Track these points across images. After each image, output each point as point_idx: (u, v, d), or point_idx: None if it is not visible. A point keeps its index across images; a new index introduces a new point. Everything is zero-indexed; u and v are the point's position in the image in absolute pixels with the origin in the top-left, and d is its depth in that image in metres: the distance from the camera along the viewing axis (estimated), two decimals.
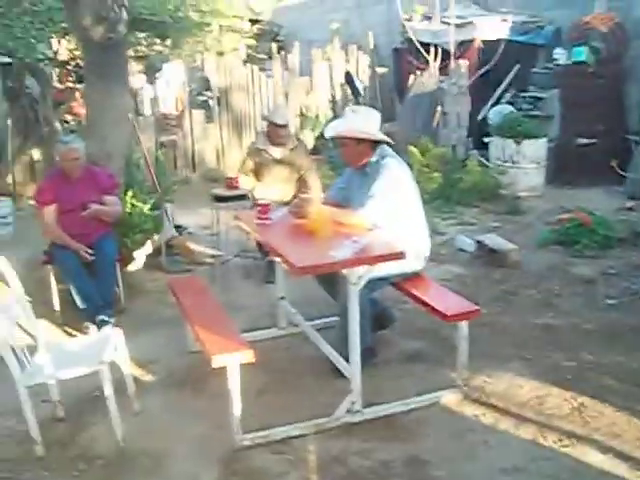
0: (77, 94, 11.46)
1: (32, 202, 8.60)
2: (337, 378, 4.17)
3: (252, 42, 14.29)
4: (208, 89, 12.06)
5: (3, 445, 3.85)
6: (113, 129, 6.19)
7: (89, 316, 5.15)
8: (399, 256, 3.82)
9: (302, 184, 6.31)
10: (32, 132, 10.16)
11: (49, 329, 5.15)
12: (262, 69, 12.40)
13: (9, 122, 10.16)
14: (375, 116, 4.54)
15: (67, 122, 11.21)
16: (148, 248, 6.23)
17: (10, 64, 10.09)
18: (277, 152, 6.24)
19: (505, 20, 10.70)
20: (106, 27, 6.07)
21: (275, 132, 6.22)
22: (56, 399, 4.05)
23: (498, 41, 10.40)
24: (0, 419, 4.08)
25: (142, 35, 10.95)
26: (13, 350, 3.63)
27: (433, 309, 4.14)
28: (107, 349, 3.81)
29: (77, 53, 11.10)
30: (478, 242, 6.65)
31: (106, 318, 5.09)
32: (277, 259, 4.83)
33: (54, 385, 4.01)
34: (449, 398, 4.08)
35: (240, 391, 3.59)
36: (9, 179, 9.95)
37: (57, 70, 11.31)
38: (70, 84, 12.27)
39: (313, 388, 4.27)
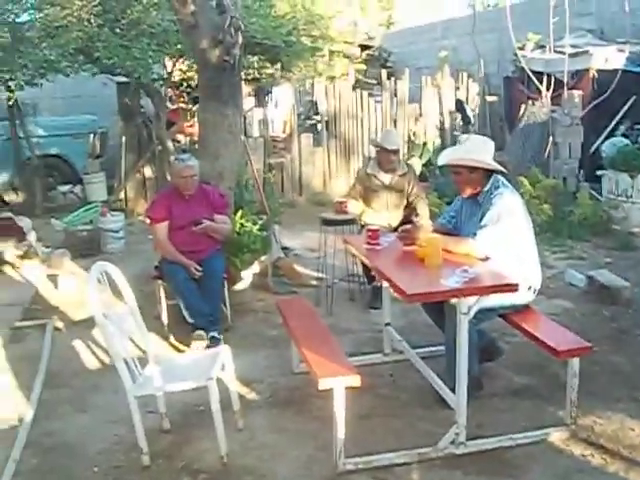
0: (188, 114, 11.82)
1: (143, 218, 8.95)
2: (441, 408, 4.10)
3: (362, 67, 14.38)
4: (316, 113, 12.21)
5: (112, 452, 3.95)
6: (225, 149, 6.32)
7: (196, 331, 5.23)
8: (512, 288, 3.73)
9: (411, 211, 6.27)
10: (145, 150, 10.53)
11: (158, 342, 5.28)
12: (371, 94, 12.47)
13: (123, 140, 10.57)
14: (490, 145, 4.49)
15: (178, 141, 11.56)
16: (255, 268, 6.32)
17: (127, 83, 10.50)
18: (387, 178, 6.23)
19: (622, 50, 10.41)
20: (222, 50, 6.23)
21: (385, 157, 6.20)
22: (162, 411, 4.13)
23: (614, 71, 10.09)
24: (111, 426, 4.19)
25: (254, 58, 11.16)
26: (125, 361, 3.74)
27: (543, 344, 4.01)
28: (215, 366, 3.86)
29: (189, 74, 11.43)
30: (589, 277, 6.44)
31: (216, 335, 5.18)
32: (384, 285, 4.82)
33: (161, 397, 4.09)
34: (557, 436, 3.94)
35: (343, 415, 3.57)
36: (121, 195, 10.32)
37: (170, 90, 11.67)
38: (182, 104, 12.66)
39: (416, 416, 4.21)
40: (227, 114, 6.35)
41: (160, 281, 5.61)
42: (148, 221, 5.81)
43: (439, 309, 4.23)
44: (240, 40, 6.36)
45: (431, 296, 3.77)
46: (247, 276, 6.20)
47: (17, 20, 10.19)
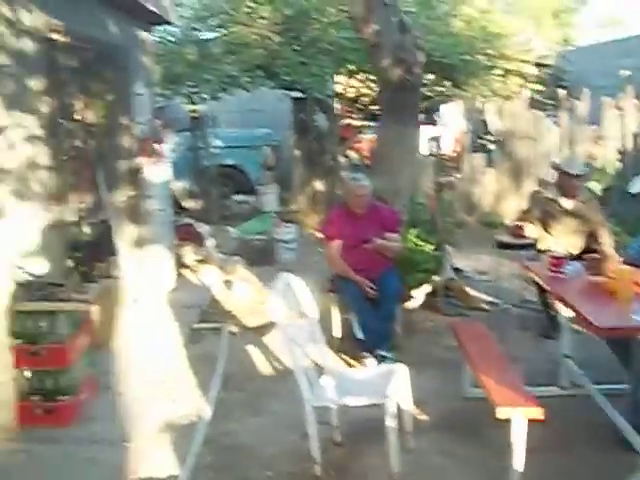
0: (359, 131, 12.01)
1: (313, 230, 9.15)
2: (624, 450, 3.90)
3: (537, 87, 14.03)
4: (487, 132, 12.03)
5: (284, 458, 4.07)
6: (402, 167, 6.37)
7: (367, 348, 5.30)
8: None
9: (592, 239, 6.04)
10: (316, 164, 10.76)
11: (327, 356, 5.37)
12: (547, 115, 12.14)
13: (296, 153, 10.86)
14: None
15: (348, 157, 11.75)
16: (427, 288, 6.30)
17: (302, 99, 10.80)
18: (568, 204, 6.02)
19: None
20: (403, 69, 6.29)
21: (569, 183, 5.99)
22: (335, 423, 4.20)
23: None
24: (284, 432, 4.32)
25: (430, 77, 11.19)
26: (304, 371, 3.84)
27: None
28: (392, 384, 3.89)
29: (363, 91, 11.61)
30: None
31: (385, 353, 5.20)
32: (562, 314, 4.68)
33: (335, 410, 4.16)
34: None
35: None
36: (293, 207, 10.60)
37: (342, 107, 11.92)
38: (353, 121, 12.87)
39: (594, 456, 4.03)
40: (406, 132, 6.40)
41: (333, 295, 5.69)
42: (322, 236, 5.93)
43: (625, 345, 4.05)
44: (421, 59, 6.40)
45: (621, 331, 3.62)
46: (418, 295, 6.19)
47: (203, 38, 10.76)
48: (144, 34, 7.46)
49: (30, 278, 4.45)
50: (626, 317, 3.56)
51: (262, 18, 9.91)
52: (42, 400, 4.31)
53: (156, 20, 7.61)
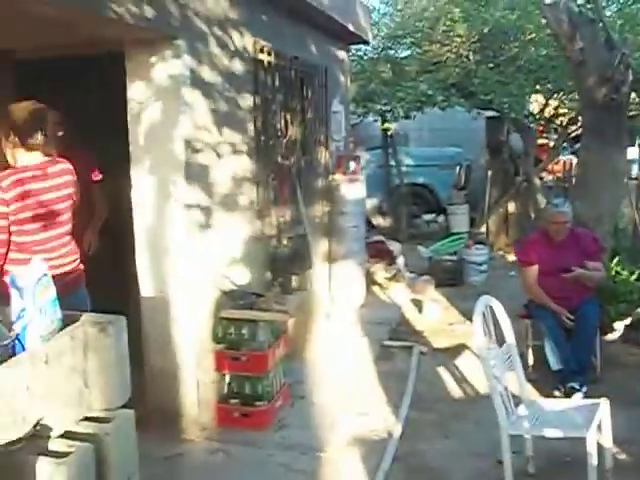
0: (556, 152, 11.61)
1: (503, 252, 8.96)
2: None
3: None
4: None
5: None
6: (606, 192, 6.10)
7: (560, 379, 5.09)
8: None
9: None
10: (510, 185, 10.54)
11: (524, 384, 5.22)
12: None
13: (489, 173, 10.69)
14: None
15: (542, 178, 11.40)
16: (628, 320, 5.97)
17: (496, 118, 10.63)
18: None
19: None
20: (609, 88, 6.03)
21: None
22: (529, 454, 4.05)
23: None
24: (474, 458, 4.21)
25: (633, 95, 10.64)
26: (501, 397, 3.75)
27: None
28: (594, 418, 3.70)
29: (562, 111, 11.23)
30: None
31: (577, 386, 4.96)
32: None
33: (530, 440, 4.03)
34: None
35: None
36: (483, 228, 10.43)
37: (537, 126, 11.58)
38: (547, 141, 12.49)
39: None
40: (611, 155, 6.14)
41: (527, 320, 5.54)
42: (517, 260, 5.78)
43: None
44: (630, 78, 6.12)
45: None
46: (619, 327, 5.87)
47: (397, 56, 10.88)
48: (342, 53, 7.67)
49: (234, 287, 4.68)
50: None
51: (459, 36, 9.87)
52: (240, 404, 4.52)
53: (354, 40, 7.81)
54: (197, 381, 4.39)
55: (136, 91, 4.15)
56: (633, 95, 10.78)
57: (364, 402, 4.99)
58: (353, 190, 6.86)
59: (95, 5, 3.16)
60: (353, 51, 9.96)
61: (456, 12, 9.86)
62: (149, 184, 4.19)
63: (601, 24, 6.28)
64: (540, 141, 12.37)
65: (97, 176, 4.93)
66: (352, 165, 6.99)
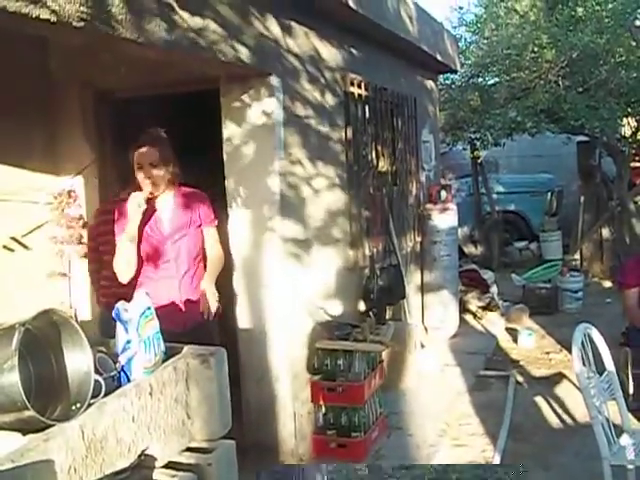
0: None
1: (599, 279, 8.77)
2: None
3: None
4: None
5: None
6: None
7: None
8: None
9: None
10: (603, 210, 10.30)
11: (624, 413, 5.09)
12: None
13: (582, 199, 10.49)
14: None
15: (637, 203, 11.11)
16: None
17: (587, 142, 10.45)
18: None
19: None
20: None
21: None
22: None
23: None
24: None
25: None
26: (603, 426, 3.68)
27: None
28: None
29: None
30: None
31: None
32: None
33: (632, 472, 3.92)
34: None
35: None
36: (577, 255, 10.23)
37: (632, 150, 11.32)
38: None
39: None
40: None
41: (627, 348, 5.41)
42: (617, 286, 5.67)
43: None
44: None
45: None
46: None
47: (485, 84, 10.85)
48: (430, 83, 7.72)
49: (329, 318, 4.74)
50: None
51: (547, 62, 9.77)
52: (337, 435, 4.55)
53: (442, 69, 7.86)
54: (294, 412, 4.44)
55: (231, 128, 4.30)
56: None
57: (461, 433, 4.97)
58: (445, 219, 6.87)
59: (193, 46, 3.30)
60: (441, 80, 10.00)
61: (544, 38, 9.77)
62: (245, 219, 4.31)
63: None
64: (634, 164, 12.09)
65: None
66: (443, 194, 7.01)
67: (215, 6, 3.46)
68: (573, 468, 4.36)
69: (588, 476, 3.82)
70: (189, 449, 2.40)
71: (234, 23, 3.67)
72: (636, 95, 9.51)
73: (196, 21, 3.27)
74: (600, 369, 3.97)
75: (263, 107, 4.23)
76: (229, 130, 4.31)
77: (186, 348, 2.58)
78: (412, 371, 5.69)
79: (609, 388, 4.00)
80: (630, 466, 3.83)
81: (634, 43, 9.06)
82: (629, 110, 10.16)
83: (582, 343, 3.76)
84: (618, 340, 5.50)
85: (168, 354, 2.50)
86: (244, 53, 3.80)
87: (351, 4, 4.66)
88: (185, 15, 3.16)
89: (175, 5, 3.08)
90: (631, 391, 5.35)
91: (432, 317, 6.77)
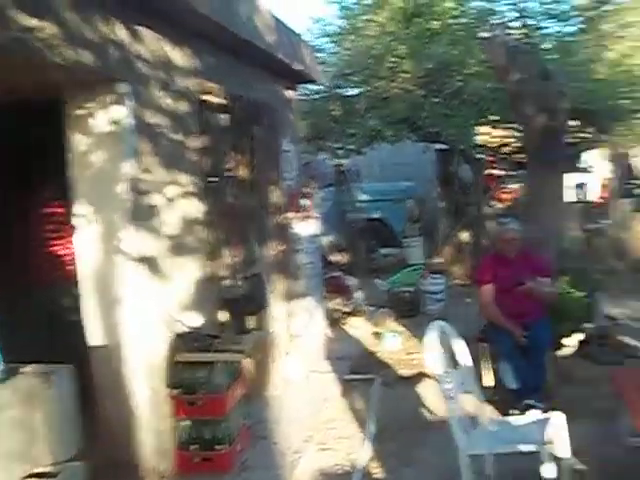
0: (502, 180, 11.84)
1: (459, 281, 9.04)
2: None
3: None
4: (634, 177, 11.60)
5: None
6: (549, 215, 6.25)
7: (518, 398, 5.15)
8: None
9: None
10: (461, 215, 10.69)
11: (479, 404, 5.24)
12: None
13: (441, 205, 10.84)
14: None
15: (492, 207, 11.58)
16: (579, 336, 6.07)
17: (445, 150, 10.82)
18: None
19: None
20: (547, 117, 6.20)
21: None
22: (489, 473, 4.08)
23: None
24: None
25: (573, 123, 10.92)
26: (459, 419, 3.77)
27: None
28: (548, 432, 3.76)
29: (507, 140, 11.47)
30: None
31: (532, 403, 5.02)
32: None
33: (490, 459, 4.05)
34: None
35: None
36: (438, 258, 10.53)
37: (486, 157, 11.80)
38: (495, 170, 12.71)
39: None
40: (551, 180, 6.31)
41: (484, 344, 5.61)
42: (474, 284, 5.87)
43: None
44: (565, 106, 6.29)
45: None
46: (570, 344, 5.97)
47: (346, 94, 11.03)
48: (290, 92, 7.74)
49: (187, 330, 4.62)
50: None
51: (404, 72, 10.04)
52: (200, 449, 4.41)
53: (302, 79, 7.90)
54: (154, 428, 4.28)
55: (76, 136, 4.12)
56: (575, 123, 11.13)
57: (327, 437, 4.98)
58: (306, 227, 6.89)
59: (28, 49, 3.14)
60: (304, 90, 10.09)
61: (401, 49, 10.04)
62: (93, 230, 4.13)
63: (536, 55, 6.47)
64: (491, 171, 12.61)
65: None
66: (304, 203, 7.03)
67: (53, 7, 3.31)
68: (435, 462, 4.47)
69: (449, 469, 3.89)
70: (33, 475, 2.25)
71: (74, 26, 3.52)
72: (488, 104, 9.89)
73: (32, 22, 3.11)
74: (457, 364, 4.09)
75: (111, 115, 4.08)
76: (74, 138, 4.13)
77: (28, 367, 2.43)
78: (277, 379, 5.66)
79: (465, 381, 4.12)
80: (487, 454, 3.97)
81: (485, 55, 9.45)
82: (482, 119, 10.57)
83: (436, 339, 3.84)
84: (477, 336, 5.69)
85: (8, 374, 2.34)
86: (87, 57, 3.65)
87: (200, 10, 4.58)
88: (19, 15, 3.00)
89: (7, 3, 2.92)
90: (489, 384, 5.54)
91: (297, 324, 6.75)
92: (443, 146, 10.99)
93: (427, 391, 5.68)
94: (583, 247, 8.40)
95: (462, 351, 4.09)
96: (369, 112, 10.39)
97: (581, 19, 12.28)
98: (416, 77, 10.12)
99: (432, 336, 3.86)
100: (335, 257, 11.23)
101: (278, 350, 5.73)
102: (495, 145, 11.74)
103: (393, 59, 10.17)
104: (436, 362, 3.74)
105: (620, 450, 4.42)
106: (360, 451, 4.70)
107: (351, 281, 8.20)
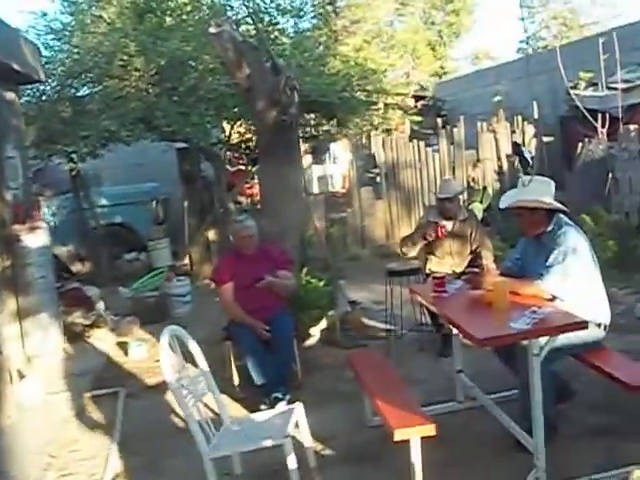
0: (248, 176, 12.00)
1: (208, 281, 9.03)
2: (519, 452, 3.97)
3: (417, 119, 14.47)
4: (375, 166, 12.27)
5: None
6: (286, 208, 6.36)
7: (265, 392, 5.20)
8: (581, 326, 3.66)
9: (475, 256, 6.18)
10: (207, 214, 10.68)
11: (229, 404, 5.25)
12: (427, 144, 12.51)
13: (186, 204, 10.75)
14: (549, 185, 4.44)
15: (239, 203, 11.70)
16: (323, 324, 6.28)
17: (186, 149, 10.73)
18: (449, 225, 6.17)
19: None
20: (279, 110, 6.32)
21: (444, 206, 6.17)
22: (238, 472, 4.10)
23: None
24: None
25: (310, 116, 11.32)
26: (200, 424, 3.73)
27: (616, 380, 3.93)
28: (290, 423, 3.83)
29: (248, 136, 11.62)
30: None
31: (280, 395, 5.11)
32: (453, 332, 4.74)
33: (237, 458, 4.06)
34: (638, 473, 3.75)
35: (422, 465, 3.49)
36: (186, 259, 10.45)
37: (229, 153, 11.87)
38: (241, 166, 12.86)
39: (494, 462, 4.08)
40: (286, 173, 6.41)
41: (229, 342, 5.62)
42: (213, 284, 5.86)
43: (510, 352, 4.16)
44: (296, 100, 6.45)
45: (501, 340, 3.68)
46: (315, 332, 6.17)
47: (77, 94, 10.55)
48: (11, 94, 7.23)
49: None
50: (504, 326, 3.63)
51: (137, 70, 9.78)
52: None
53: (23, 79, 7.40)
54: None
55: None
56: (314, 116, 11.55)
57: (69, 461, 4.70)
58: (35, 239, 6.45)
59: None
60: (30, 92, 9.50)
61: (132, 46, 9.77)
62: None
63: (266, 51, 6.56)
64: (236, 167, 12.72)
65: None
66: (32, 213, 6.59)
67: None
68: (184, 469, 4.36)
69: (198, 474, 3.83)
70: None
71: None
72: (225, 100, 9.91)
73: None
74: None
75: None
76: None
77: None
78: (10, 406, 5.26)
79: (205, 384, 4.09)
80: (232, 454, 3.97)
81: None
82: (221, 115, 10.58)
83: (166, 346, 3.77)
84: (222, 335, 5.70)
85: None
86: None
87: None
88: None
89: None
90: (237, 382, 5.57)
91: (32, 344, 6.33)
92: (184, 145, 10.87)
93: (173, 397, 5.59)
94: (326, 237, 8.72)
95: (197, 354, 4.05)
96: (102, 112, 10.00)
97: (315, 15, 12.84)
98: (149, 75, 9.91)
99: (163, 343, 3.77)
100: (77, 267, 10.74)
101: (9, 374, 5.33)
102: (236, 141, 11.84)
103: (124, 57, 9.88)
104: (167, 369, 3.66)
105: (365, 431, 4.66)
106: (105, 470, 4.50)
107: (92, 291, 7.84)
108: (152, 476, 4.42)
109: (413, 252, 6.24)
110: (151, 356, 6.71)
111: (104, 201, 11.49)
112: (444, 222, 6.14)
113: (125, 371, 6.48)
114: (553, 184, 4.47)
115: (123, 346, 7.02)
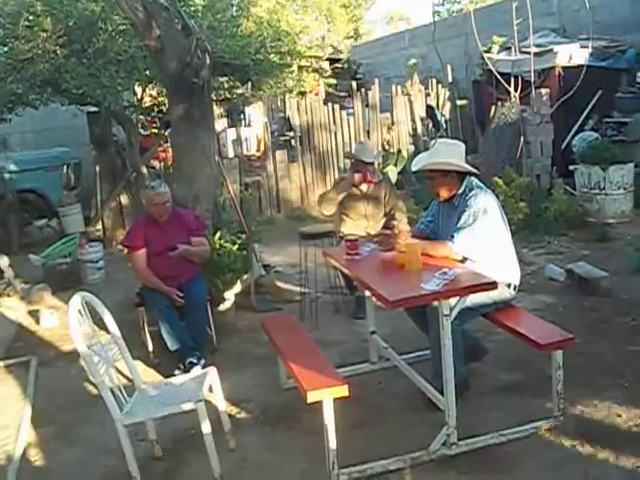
0: (161, 140, 11.78)
1: (121, 247, 8.91)
2: (431, 411, 4.10)
3: (332, 81, 14.46)
4: (290, 129, 12.23)
5: None
6: (200, 172, 6.30)
7: (180, 358, 5.19)
8: (490, 286, 3.76)
9: (389, 219, 6.27)
10: (120, 178, 10.48)
11: (144, 370, 5.22)
12: (342, 107, 12.53)
13: (97, 169, 10.50)
14: (460, 148, 4.53)
15: (153, 167, 11.49)
16: (238, 288, 6.28)
17: (97, 113, 10.45)
18: (363, 187, 6.23)
19: (585, 47, 10.46)
20: (190, 73, 6.21)
21: (362, 168, 6.19)
22: (153, 438, 4.09)
23: (579, 67, 10.12)
24: (101, 458, 4.14)
25: (224, 79, 11.16)
26: (112, 391, 3.70)
27: (526, 338, 4.05)
28: (203, 387, 3.84)
29: (160, 99, 11.40)
30: (568, 271, 6.51)
31: (195, 360, 5.10)
32: (367, 294, 4.81)
33: (151, 424, 4.05)
34: (546, 429, 3.95)
35: (335, 426, 3.55)
36: (99, 225, 10.25)
37: (141, 117, 11.62)
38: (154, 130, 12.62)
39: (407, 421, 4.20)
40: (199, 136, 6.33)
41: (142, 308, 5.57)
42: (125, 250, 5.78)
43: (422, 313, 4.24)
44: (208, 62, 6.35)
45: (413, 301, 3.75)
46: (230, 296, 6.15)
47: None
48: None
49: None
50: (415, 287, 3.70)
51: (44, 31, 9.42)
52: None
53: None
54: None
55: None
56: (225, 78, 11.38)
57: None
58: None
59: None
60: None
61: (38, 6, 9.39)
62: None
63: (177, 12, 6.42)
64: (149, 131, 12.46)
65: None
66: None
67: None
68: (98, 438, 4.33)
69: (113, 441, 3.79)
70: None
71: None
72: (136, 62, 9.67)
73: None
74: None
75: None
76: None
77: None
78: None
79: (117, 350, 4.05)
80: (146, 420, 3.95)
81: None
82: (132, 78, 10.32)
83: (75, 313, 3.71)
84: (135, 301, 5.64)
85: None
86: None
87: None
88: None
89: None
90: (151, 348, 5.53)
91: None
92: (95, 109, 10.57)
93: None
94: (241, 200, 8.68)
95: (108, 320, 4.00)
96: (8, 75, 9.63)
97: None
98: (57, 36, 9.56)
99: (72, 309, 3.71)
100: None
101: None
102: (148, 105, 11.58)
103: (30, 17, 9.50)
104: (77, 336, 3.60)
105: (280, 394, 4.71)
106: (17, 440, 4.42)
107: (1, 260, 7.63)
108: (65, 445, 4.37)
109: (332, 208, 6.27)
110: (63, 324, 6.57)
111: (13, 167, 11.06)
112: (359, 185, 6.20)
113: (37, 339, 6.37)
114: (464, 147, 4.56)
115: (35, 314, 6.88)
